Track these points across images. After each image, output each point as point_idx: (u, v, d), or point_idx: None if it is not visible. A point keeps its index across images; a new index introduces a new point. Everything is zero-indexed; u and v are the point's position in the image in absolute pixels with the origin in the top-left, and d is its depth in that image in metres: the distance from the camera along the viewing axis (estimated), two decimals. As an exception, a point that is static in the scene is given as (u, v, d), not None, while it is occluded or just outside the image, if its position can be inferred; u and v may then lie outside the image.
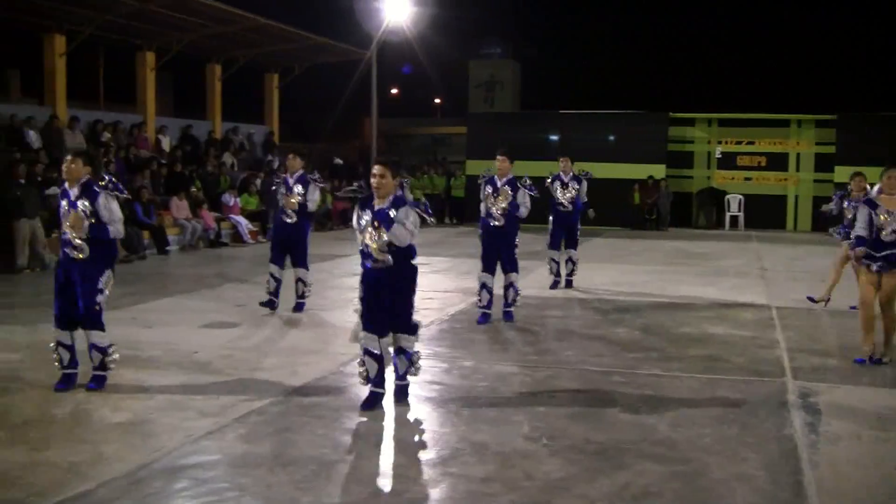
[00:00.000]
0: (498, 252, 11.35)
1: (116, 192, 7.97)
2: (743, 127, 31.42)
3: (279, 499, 5.39)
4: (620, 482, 5.70)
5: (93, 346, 7.82)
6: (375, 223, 7.34)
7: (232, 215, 22.83)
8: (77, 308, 7.79)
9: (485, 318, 11.33)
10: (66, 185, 7.96)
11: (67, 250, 7.83)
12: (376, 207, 7.40)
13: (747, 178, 31.03)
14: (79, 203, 7.81)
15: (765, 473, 5.92)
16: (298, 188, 11.88)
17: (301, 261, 12.04)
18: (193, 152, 26.03)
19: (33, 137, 20.48)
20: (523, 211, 11.28)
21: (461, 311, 12.13)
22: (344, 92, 35.59)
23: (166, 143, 25.49)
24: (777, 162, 30.89)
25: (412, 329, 7.61)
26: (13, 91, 30.84)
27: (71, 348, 7.89)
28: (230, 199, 23.05)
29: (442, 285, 14.74)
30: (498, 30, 49.07)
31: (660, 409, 7.44)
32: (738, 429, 6.91)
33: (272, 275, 12.00)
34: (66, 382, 7.84)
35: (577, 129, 30.78)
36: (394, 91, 52.77)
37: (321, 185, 12.45)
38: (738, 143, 31.30)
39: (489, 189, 11.38)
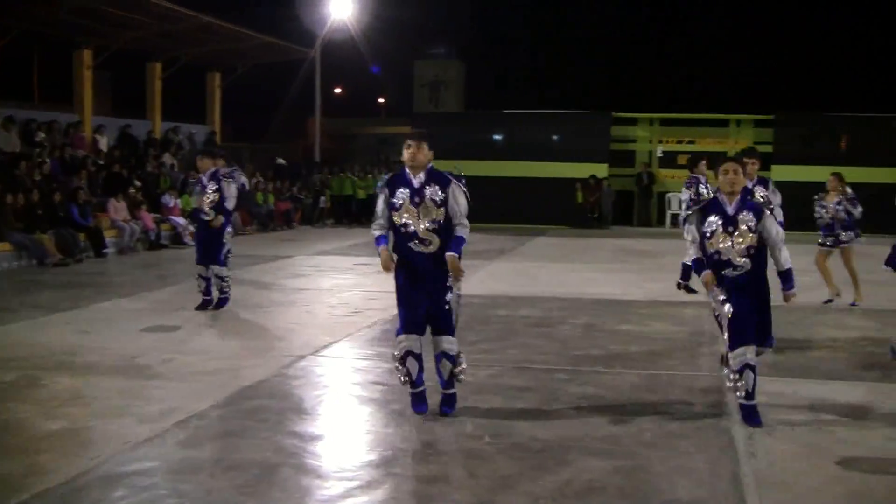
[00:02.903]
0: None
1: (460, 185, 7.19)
2: (683, 126, 31.76)
3: (221, 504, 5.35)
4: (564, 478, 5.74)
5: (442, 356, 7.17)
6: (730, 227, 7.10)
7: (172, 216, 22.56)
8: (426, 309, 7.13)
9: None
10: (409, 172, 7.15)
11: (412, 244, 7.11)
12: (730, 211, 7.15)
13: (689, 177, 31.28)
14: (426, 191, 7.10)
15: (704, 466, 6.00)
16: (212, 186, 11.99)
17: (216, 257, 12.06)
18: (132, 152, 25.76)
19: (-37, 136, 20.15)
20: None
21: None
22: (288, 91, 35.52)
23: (104, 143, 25.12)
24: (717, 161, 31.14)
25: None
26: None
27: (420, 358, 7.17)
28: (170, 200, 22.78)
29: (385, 285, 14.66)
30: (443, 30, 49.09)
31: (602, 405, 7.51)
32: (679, 423, 6.99)
33: (200, 275, 12.12)
34: (424, 402, 7.26)
35: (521, 129, 30.99)
36: (338, 90, 52.61)
37: (234, 181, 12.40)
38: (679, 142, 31.60)
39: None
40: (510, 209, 28.36)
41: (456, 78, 48.32)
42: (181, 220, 22.51)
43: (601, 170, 30.21)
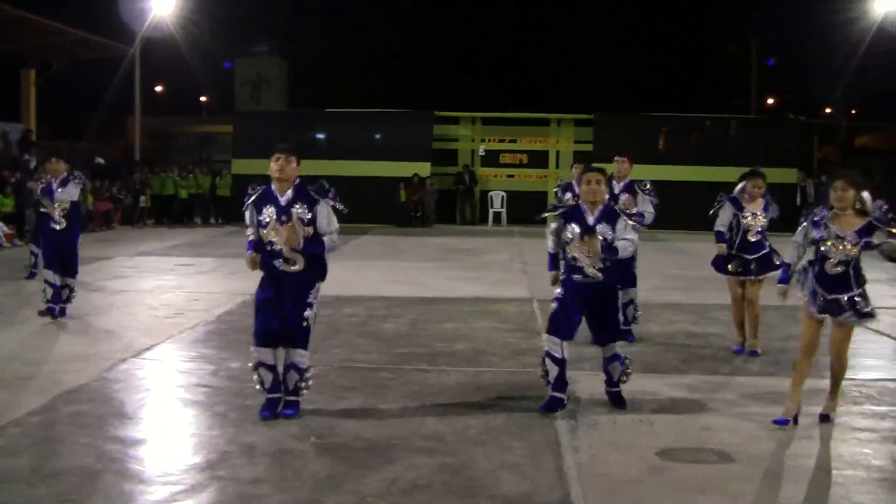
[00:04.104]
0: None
1: (331, 201, 7.14)
2: (505, 126, 32.37)
3: (40, 513, 5.19)
4: (390, 477, 5.79)
5: (292, 367, 7.10)
6: (587, 237, 7.21)
7: (-14, 218, 21.65)
8: (282, 324, 7.04)
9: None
10: (276, 188, 7.05)
11: (277, 263, 7.02)
12: (590, 220, 7.30)
13: (510, 175, 31.95)
14: (293, 210, 6.99)
15: (529, 461, 6.14)
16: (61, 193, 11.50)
17: (72, 270, 11.54)
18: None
19: None
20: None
21: (228, 311, 11.97)
22: (107, 89, 34.61)
23: None
24: (538, 159, 32.01)
25: None
26: None
27: (274, 369, 7.11)
28: (-17, 201, 21.89)
29: (208, 287, 14.52)
30: (265, 27, 48.52)
31: (427, 403, 7.60)
32: (504, 419, 7.12)
33: (47, 281, 11.36)
34: (272, 408, 7.10)
35: (344, 128, 30.97)
36: (159, 88, 51.45)
37: (81, 182, 12.00)
38: (502, 140, 32.19)
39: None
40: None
41: (278, 76, 47.89)
42: (-2, 223, 21.62)
43: (424, 168, 30.48)
